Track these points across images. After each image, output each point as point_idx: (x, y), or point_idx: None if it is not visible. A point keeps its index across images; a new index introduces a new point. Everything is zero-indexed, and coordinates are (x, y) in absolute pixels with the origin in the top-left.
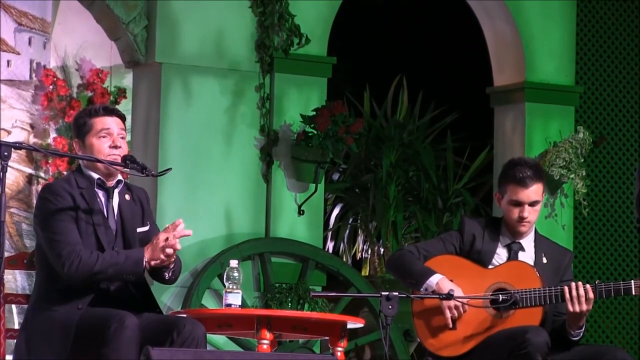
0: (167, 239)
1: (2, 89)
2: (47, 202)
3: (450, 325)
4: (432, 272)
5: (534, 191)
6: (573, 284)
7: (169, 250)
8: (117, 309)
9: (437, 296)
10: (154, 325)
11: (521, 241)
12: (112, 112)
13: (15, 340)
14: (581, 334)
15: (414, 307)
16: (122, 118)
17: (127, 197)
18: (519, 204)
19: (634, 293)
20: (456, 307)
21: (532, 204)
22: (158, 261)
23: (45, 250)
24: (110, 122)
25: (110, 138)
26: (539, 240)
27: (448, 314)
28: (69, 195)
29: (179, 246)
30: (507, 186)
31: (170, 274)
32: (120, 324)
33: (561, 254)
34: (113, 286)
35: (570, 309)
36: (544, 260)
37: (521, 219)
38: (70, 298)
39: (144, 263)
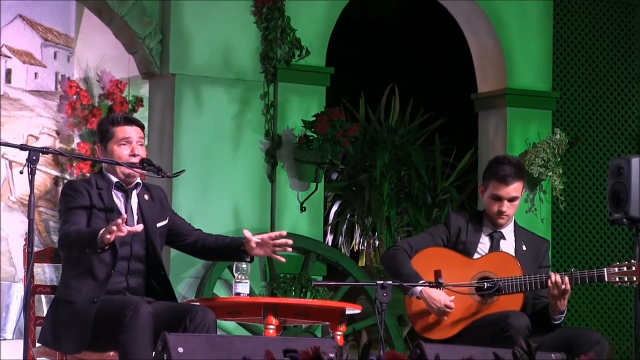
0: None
1: (31, 98)
2: (67, 197)
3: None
4: (419, 279)
5: (514, 188)
6: (552, 274)
7: (112, 232)
8: (133, 298)
9: (428, 284)
10: (168, 312)
11: (502, 230)
12: (132, 121)
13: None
14: (562, 318)
15: (405, 297)
16: (142, 127)
17: (146, 197)
18: (499, 198)
19: (606, 279)
20: (443, 312)
21: (511, 199)
22: (105, 241)
23: None
24: (130, 131)
25: (130, 146)
26: (518, 230)
27: (435, 309)
28: (87, 193)
29: (122, 234)
30: (489, 181)
31: (251, 259)
32: (135, 312)
33: (539, 242)
34: (133, 279)
35: (551, 292)
36: (524, 248)
37: (500, 212)
38: (88, 291)
39: (97, 239)
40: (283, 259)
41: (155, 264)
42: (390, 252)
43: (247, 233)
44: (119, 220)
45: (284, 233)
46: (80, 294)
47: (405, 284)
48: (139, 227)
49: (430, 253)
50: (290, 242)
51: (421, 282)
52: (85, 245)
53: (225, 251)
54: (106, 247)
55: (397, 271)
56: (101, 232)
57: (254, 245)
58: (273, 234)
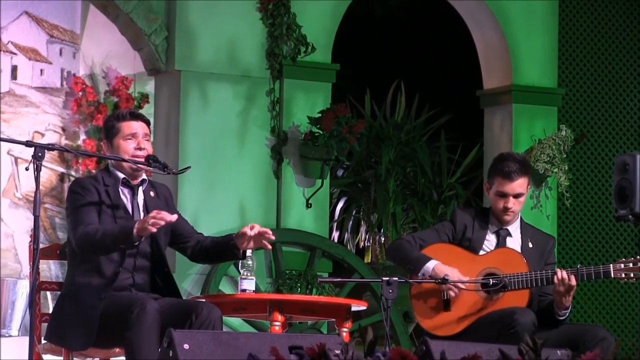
0: (152, 219)
1: (36, 95)
2: (76, 195)
3: (453, 294)
4: (428, 259)
5: (519, 184)
6: (558, 270)
7: (154, 222)
8: (139, 295)
9: (433, 281)
10: (174, 309)
11: (508, 227)
12: (138, 117)
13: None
14: (567, 314)
15: (411, 291)
16: (147, 122)
17: (152, 193)
18: (505, 195)
19: (612, 276)
20: (454, 285)
21: (517, 196)
22: (145, 232)
23: (69, 234)
24: (136, 126)
25: (136, 140)
26: (525, 227)
27: (452, 293)
28: (95, 190)
29: (162, 222)
30: (494, 178)
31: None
32: (142, 309)
33: (545, 239)
34: (139, 276)
35: (556, 288)
36: (530, 245)
37: (506, 209)
38: (95, 288)
39: (134, 232)
40: (269, 246)
41: (159, 261)
42: (395, 243)
43: (245, 229)
44: (158, 212)
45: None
46: (87, 291)
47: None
48: (174, 217)
49: (437, 248)
50: (272, 237)
51: (428, 275)
52: (120, 241)
53: (219, 250)
54: (141, 240)
55: (406, 256)
56: (137, 226)
57: (245, 240)
58: (263, 230)
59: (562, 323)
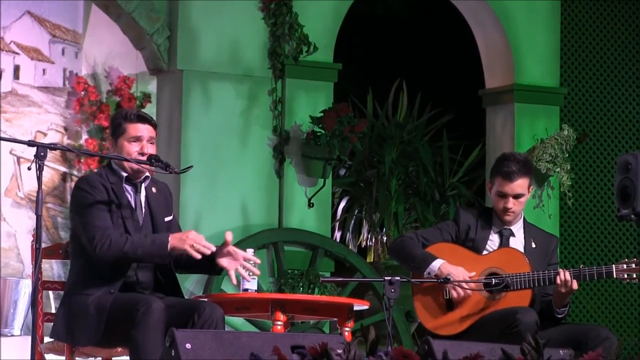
0: (193, 245)
1: (39, 95)
2: (84, 192)
3: (456, 296)
4: (434, 258)
5: (519, 185)
6: (561, 271)
7: (195, 247)
8: (145, 294)
9: (435, 280)
10: (177, 308)
11: (511, 227)
12: (145, 120)
13: (52, 323)
14: (566, 312)
15: (414, 290)
16: (154, 126)
17: (154, 189)
18: (504, 195)
19: (614, 276)
20: (459, 286)
21: (517, 196)
22: (181, 251)
23: (79, 235)
24: (142, 130)
25: (139, 144)
26: (528, 227)
27: (455, 294)
28: (103, 187)
29: (206, 251)
30: (495, 178)
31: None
32: (148, 308)
33: (548, 239)
34: (142, 274)
35: (558, 289)
36: (533, 245)
37: (506, 209)
38: (103, 283)
39: (168, 247)
40: (235, 281)
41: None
42: (398, 240)
43: (229, 236)
44: (204, 242)
45: (258, 261)
46: (95, 287)
47: (418, 264)
48: (213, 249)
49: (439, 248)
50: (257, 272)
51: (434, 274)
52: (154, 256)
53: (199, 261)
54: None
55: (409, 254)
56: (173, 243)
57: (225, 252)
58: (248, 256)
59: (561, 321)
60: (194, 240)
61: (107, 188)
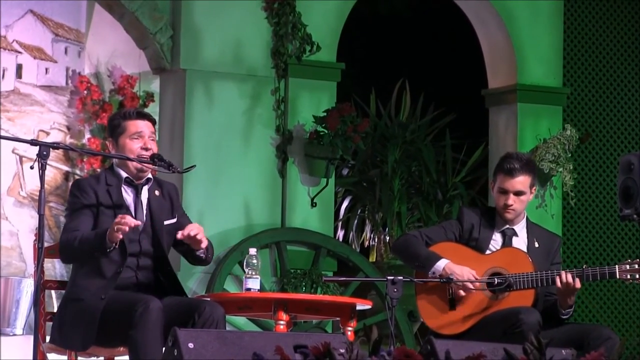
0: (118, 222)
1: (41, 94)
2: (73, 197)
3: (464, 293)
4: (439, 257)
5: (520, 182)
6: (563, 273)
7: (118, 228)
8: (143, 294)
9: (438, 279)
10: (177, 307)
11: (514, 227)
12: (144, 116)
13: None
14: (571, 313)
15: (417, 290)
16: (153, 122)
17: (157, 192)
18: (505, 192)
19: (617, 276)
20: (464, 286)
21: (517, 193)
22: (114, 239)
23: None
24: (142, 126)
25: (142, 140)
26: (531, 226)
27: (462, 291)
28: (93, 192)
29: (126, 228)
30: (497, 175)
31: (204, 255)
32: (146, 308)
33: (551, 239)
34: (142, 275)
35: (560, 290)
36: (536, 245)
37: (506, 206)
38: (95, 289)
39: (106, 240)
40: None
41: (162, 261)
42: (402, 238)
43: (179, 235)
44: (122, 217)
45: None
46: (87, 292)
47: (423, 264)
48: (138, 223)
49: (443, 247)
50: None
51: (439, 274)
52: (94, 248)
53: (189, 249)
54: (115, 246)
55: (414, 253)
56: (109, 231)
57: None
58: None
59: (566, 322)
60: (116, 223)
61: (97, 191)
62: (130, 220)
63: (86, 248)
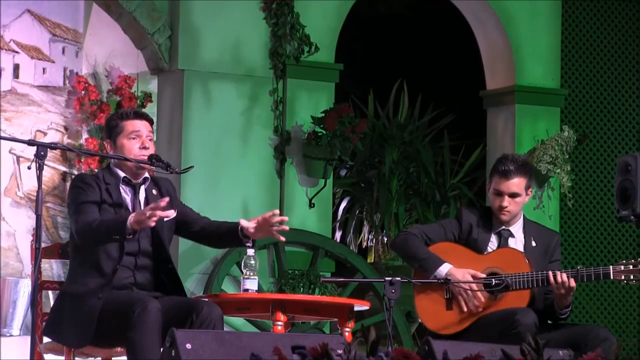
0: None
1: (39, 94)
2: (78, 189)
3: (479, 307)
4: (441, 261)
5: (515, 183)
6: (558, 273)
7: (151, 215)
8: (141, 294)
9: (435, 281)
10: (175, 308)
11: (510, 228)
12: (141, 116)
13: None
14: (568, 312)
15: (414, 290)
16: (150, 121)
17: (154, 191)
18: (500, 193)
19: (612, 277)
20: (465, 292)
21: (512, 195)
22: (142, 225)
23: (71, 226)
24: (140, 125)
25: (140, 140)
26: (528, 225)
27: (462, 300)
28: (97, 186)
29: (160, 216)
30: (492, 177)
31: (251, 244)
32: (144, 309)
33: (549, 236)
34: (141, 274)
35: (556, 291)
36: (533, 244)
37: (501, 208)
38: (94, 287)
39: (128, 224)
40: (283, 238)
41: (163, 259)
42: (402, 237)
43: (244, 222)
44: (153, 205)
45: (277, 211)
46: (85, 288)
47: (425, 267)
48: (172, 213)
49: (442, 247)
50: (286, 218)
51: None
52: (112, 232)
53: (228, 236)
54: (134, 234)
55: (414, 254)
56: (131, 218)
57: (252, 230)
58: (267, 215)
59: (564, 322)
60: (149, 209)
61: (100, 188)
62: (161, 211)
63: (103, 230)
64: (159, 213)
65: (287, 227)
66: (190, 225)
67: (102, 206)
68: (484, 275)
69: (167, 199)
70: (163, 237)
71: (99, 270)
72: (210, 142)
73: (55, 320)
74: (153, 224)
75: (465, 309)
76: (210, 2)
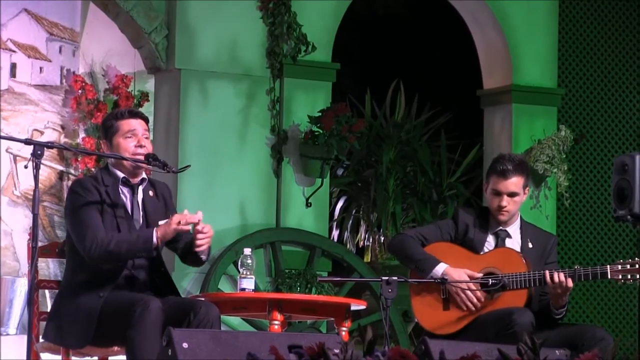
0: (179, 222)
1: (36, 93)
2: (77, 195)
3: (476, 307)
4: (437, 261)
5: (513, 183)
6: (555, 272)
7: (182, 223)
8: (141, 294)
9: (432, 280)
10: (173, 308)
11: (507, 229)
12: (136, 114)
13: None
14: (564, 312)
15: (411, 290)
16: (146, 120)
17: (150, 193)
18: (499, 193)
19: (609, 277)
20: (463, 292)
21: (511, 194)
22: (171, 234)
23: (72, 238)
24: (136, 124)
25: (136, 138)
26: (525, 226)
27: (459, 299)
28: (96, 190)
29: (188, 228)
30: (490, 177)
31: (205, 257)
32: (145, 308)
33: (545, 238)
34: (137, 274)
35: (552, 291)
36: (530, 245)
37: (500, 207)
38: (93, 287)
39: (154, 240)
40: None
41: (156, 261)
42: (398, 238)
43: (199, 216)
44: (187, 216)
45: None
46: (85, 290)
47: (421, 267)
48: (200, 215)
49: (438, 247)
50: (200, 226)
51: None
52: (137, 250)
53: (188, 249)
54: (162, 247)
55: (411, 255)
56: (156, 233)
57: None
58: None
59: (560, 322)
60: (177, 219)
61: (100, 191)
62: (191, 218)
63: (125, 249)
64: (189, 220)
65: (204, 234)
66: (176, 239)
67: (102, 208)
68: (480, 275)
69: (200, 214)
70: None
71: (98, 271)
72: (207, 141)
73: (54, 324)
74: (187, 229)
75: (462, 309)
76: (208, 1)
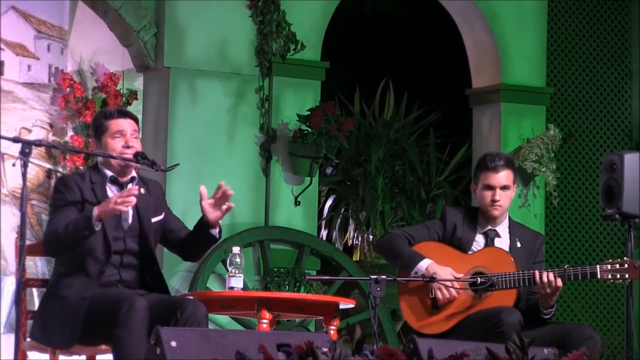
0: (115, 201)
1: (24, 91)
2: (57, 194)
3: (441, 297)
4: (422, 257)
5: (505, 176)
6: (544, 273)
7: (119, 202)
8: (127, 291)
9: (421, 279)
10: (160, 305)
11: (497, 228)
12: (126, 114)
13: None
14: (552, 313)
15: (399, 289)
16: (135, 120)
17: (142, 190)
18: (492, 187)
19: (599, 276)
20: (446, 288)
21: (503, 188)
22: (110, 213)
23: None
24: (124, 124)
25: (124, 139)
26: (513, 226)
27: (440, 295)
28: (79, 189)
29: (126, 208)
30: (480, 174)
31: (218, 234)
32: (131, 306)
33: (533, 237)
34: (125, 272)
35: (542, 291)
36: (518, 245)
37: (493, 201)
38: (80, 286)
39: (94, 218)
40: (232, 204)
41: (148, 259)
42: (386, 237)
43: (203, 189)
44: (126, 192)
45: (230, 192)
46: (71, 289)
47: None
48: (141, 190)
49: (426, 247)
50: (229, 192)
51: (421, 274)
52: (81, 229)
53: (195, 232)
54: (100, 223)
55: (397, 252)
56: (95, 210)
57: (208, 207)
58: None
59: (548, 321)
60: (115, 197)
61: (82, 189)
62: (133, 190)
63: (71, 229)
64: (132, 193)
65: (229, 192)
66: (174, 235)
67: (85, 206)
68: (461, 276)
69: (136, 187)
70: (150, 237)
71: (83, 270)
72: (195, 139)
73: (40, 324)
74: (125, 209)
75: (445, 304)
76: (196, 0)
